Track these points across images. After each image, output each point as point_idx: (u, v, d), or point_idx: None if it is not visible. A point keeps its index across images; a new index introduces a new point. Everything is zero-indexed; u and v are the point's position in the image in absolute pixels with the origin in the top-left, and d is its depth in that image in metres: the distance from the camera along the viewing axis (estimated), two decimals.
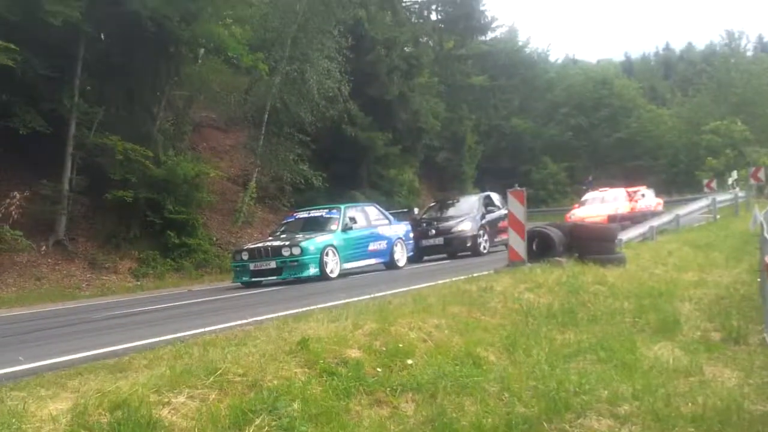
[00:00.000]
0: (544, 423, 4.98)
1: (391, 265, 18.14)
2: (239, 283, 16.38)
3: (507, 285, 9.38)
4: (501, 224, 20.83)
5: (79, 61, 20.62)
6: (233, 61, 26.68)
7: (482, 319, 7.86)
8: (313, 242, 15.97)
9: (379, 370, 5.86)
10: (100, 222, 21.76)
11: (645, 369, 6.21)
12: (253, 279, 16.03)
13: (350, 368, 5.69)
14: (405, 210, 22.73)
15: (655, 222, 18.28)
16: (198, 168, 22.98)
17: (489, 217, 21.24)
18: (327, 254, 15.97)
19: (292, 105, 27.22)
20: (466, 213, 21.17)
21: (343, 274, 16.52)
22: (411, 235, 19.39)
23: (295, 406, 4.89)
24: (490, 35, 52.92)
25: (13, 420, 4.19)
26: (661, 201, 30.92)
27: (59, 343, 8.59)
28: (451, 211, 22.13)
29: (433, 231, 20.70)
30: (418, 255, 20.31)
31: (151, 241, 21.88)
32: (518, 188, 12.14)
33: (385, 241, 18.15)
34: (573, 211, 26.77)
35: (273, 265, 15.73)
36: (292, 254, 15.61)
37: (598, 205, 26.51)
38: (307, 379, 5.37)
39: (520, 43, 63.21)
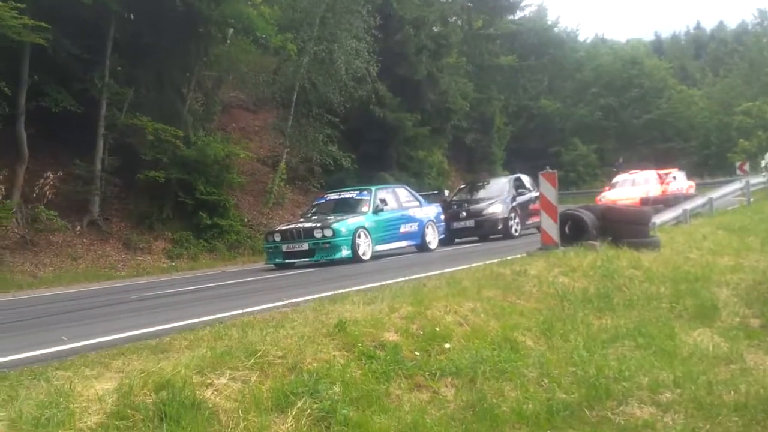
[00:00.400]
0: (586, 410, 4.98)
1: (422, 247, 17.99)
2: (272, 265, 16.37)
3: (541, 269, 9.34)
4: (532, 207, 20.65)
5: (110, 41, 20.75)
6: (262, 41, 26.64)
7: (518, 303, 7.85)
8: (345, 224, 15.91)
9: (417, 353, 5.88)
10: (132, 202, 21.94)
11: (685, 356, 6.18)
12: (286, 261, 16.01)
13: (388, 352, 5.71)
14: (435, 192, 22.51)
15: (689, 205, 18.06)
16: (228, 149, 23.04)
17: (520, 199, 21.01)
18: (359, 236, 15.90)
19: (320, 85, 27.15)
20: (497, 195, 20.93)
21: (375, 257, 16.44)
22: (442, 217, 19.21)
23: (336, 389, 4.93)
24: (518, 14, 52.45)
25: (61, 399, 4.24)
26: (693, 184, 30.66)
27: (100, 322, 8.70)
28: (481, 193, 21.92)
29: (464, 213, 20.50)
30: (449, 237, 20.18)
31: (184, 221, 22.03)
32: (550, 170, 12.04)
33: (417, 223, 17.99)
34: (603, 194, 26.60)
35: (305, 246, 15.72)
36: (324, 236, 15.56)
37: (629, 187, 26.32)
38: (346, 362, 5.41)
39: (549, 23, 62.58)
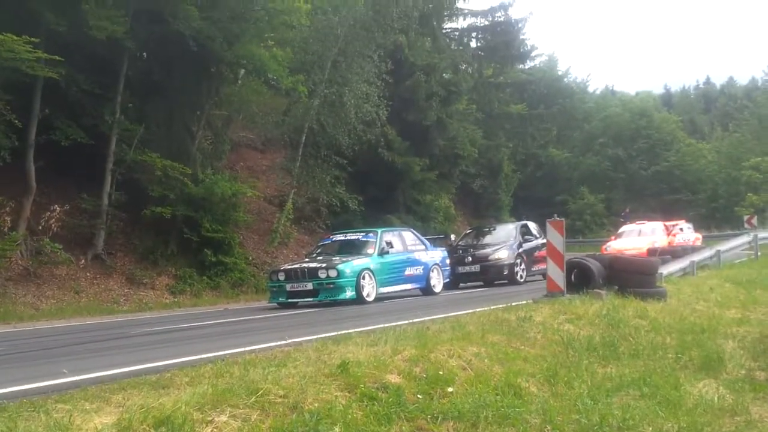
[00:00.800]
0: None
1: (427, 290, 18.02)
2: (275, 303, 16.39)
3: (546, 315, 9.31)
4: (538, 253, 20.75)
5: (122, 78, 20.95)
6: (273, 82, 26.89)
7: (522, 349, 7.80)
8: (350, 265, 15.95)
9: (419, 396, 5.84)
10: (137, 238, 21.97)
11: (689, 407, 6.11)
12: (290, 300, 16.05)
13: (390, 394, 5.66)
14: (441, 236, 22.50)
15: (696, 257, 18.03)
16: (235, 187, 23.09)
17: (526, 245, 21.05)
18: (364, 278, 15.95)
19: (329, 127, 27.28)
20: (503, 241, 20.96)
21: (379, 298, 16.46)
22: (447, 261, 19.29)
23: (337, 429, 4.90)
24: (529, 64, 52.82)
25: None
26: (699, 236, 30.60)
27: (101, 357, 8.65)
28: (488, 239, 21.91)
29: (470, 258, 20.50)
30: (454, 282, 20.19)
31: (188, 258, 22.04)
32: (557, 218, 12.04)
33: (422, 267, 18.06)
34: (609, 243, 26.58)
35: (309, 286, 15.75)
36: (328, 276, 15.59)
37: (636, 237, 26.29)
38: (347, 402, 5.36)
39: (560, 73, 63.05)
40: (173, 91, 22.58)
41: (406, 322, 9.00)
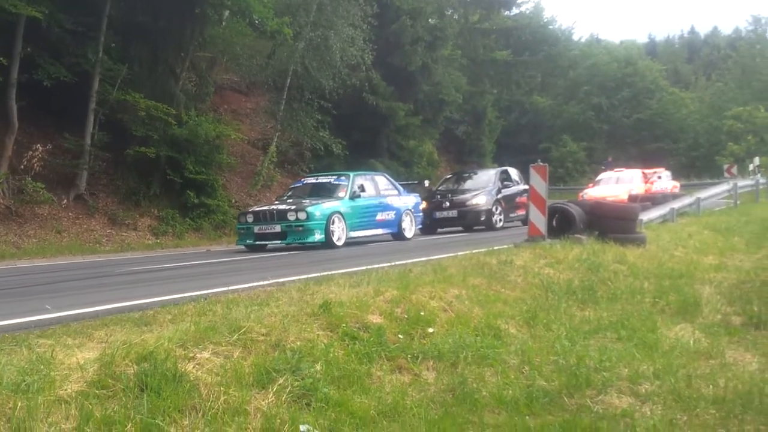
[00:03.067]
0: (565, 397, 5.01)
1: (398, 236, 17.90)
2: (243, 246, 16.20)
3: (527, 259, 9.39)
4: (518, 200, 20.92)
5: (105, 17, 20.59)
6: (257, 24, 26.59)
7: (502, 291, 7.88)
8: (320, 208, 15.71)
9: (400, 336, 5.92)
10: (120, 178, 21.85)
11: (665, 349, 6.21)
12: (257, 242, 15.89)
13: (372, 333, 5.75)
14: (415, 182, 22.18)
15: (676, 204, 18.17)
16: (219, 129, 22.97)
17: (505, 192, 21.00)
18: (333, 221, 15.71)
19: (314, 71, 27.07)
20: (482, 187, 20.88)
21: (350, 243, 16.27)
22: (421, 207, 19.22)
23: (318, 367, 4.96)
24: (515, 11, 52.26)
25: (42, 367, 4.24)
26: (677, 184, 30.75)
27: (84, 294, 8.67)
28: (467, 184, 21.84)
29: (448, 203, 20.44)
30: (432, 227, 20.30)
31: (171, 199, 21.97)
32: (541, 163, 12.09)
33: (394, 212, 17.86)
34: (586, 191, 26.64)
35: (278, 228, 15.53)
36: (297, 219, 15.36)
37: (613, 185, 26.36)
38: (329, 342, 5.44)
39: (545, 20, 62.52)
40: (157, 32, 22.28)
41: (388, 264, 9.05)
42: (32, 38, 19.13)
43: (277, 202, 17.24)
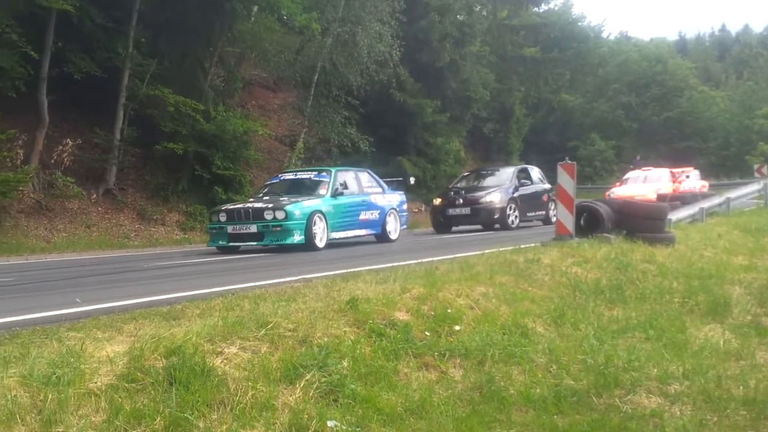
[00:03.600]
0: (593, 397, 4.99)
1: (383, 237, 16.80)
2: (214, 247, 14.96)
3: (554, 258, 9.34)
4: (539, 198, 20.85)
5: (135, 12, 20.74)
6: (286, 20, 26.66)
7: (529, 290, 7.85)
8: (300, 206, 14.44)
9: (427, 333, 5.92)
10: (149, 173, 22.02)
11: (695, 349, 6.17)
12: (231, 243, 14.64)
13: (399, 330, 5.75)
14: (399, 179, 20.99)
15: (706, 204, 17.99)
16: (247, 125, 23.02)
17: (522, 190, 20.62)
18: (314, 221, 14.48)
19: (341, 67, 27.14)
20: (499, 184, 20.50)
21: (331, 245, 15.20)
22: (405, 206, 18.19)
23: (345, 363, 4.96)
24: (543, 7, 52.11)
25: (72, 359, 4.28)
26: (706, 183, 30.44)
27: (113, 288, 8.75)
28: (483, 182, 21.45)
29: (461, 200, 19.98)
30: (444, 224, 20.10)
31: (199, 195, 22.08)
32: (569, 162, 12.02)
33: (378, 211, 16.71)
34: (613, 189, 26.45)
35: (254, 229, 14.27)
36: (275, 218, 14.13)
37: (641, 184, 26.14)
38: (356, 338, 5.45)
39: (574, 17, 62.10)
40: (186, 27, 22.36)
41: (415, 261, 9.05)
42: (63, 32, 19.32)
43: (252, 200, 15.98)
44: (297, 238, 14.15)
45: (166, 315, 5.85)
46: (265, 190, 16.69)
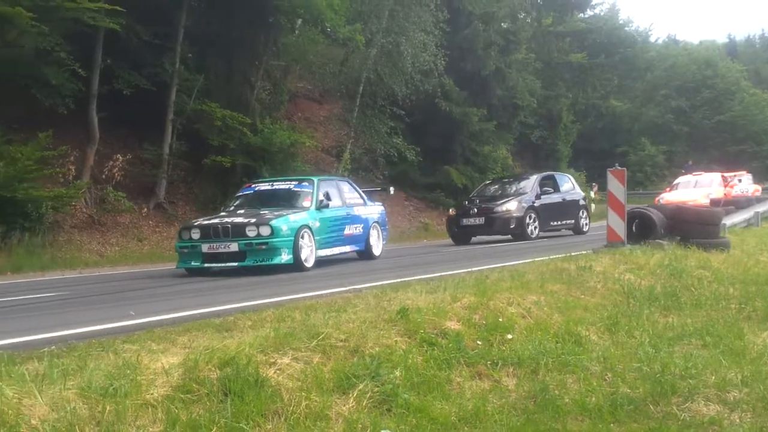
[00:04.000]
0: (650, 405, 4.90)
1: (366, 254, 15.08)
2: (184, 269, 13.00)
3: (606, 265, 9.23)
4: (562, 207, 20.09)
5: (181, 29, 21.09)
6: (329, 32, 26.85)
7: (582, 298, 7.77)
8: (287, 221, 12.57)
9: (479, 342, 5.89)
10: (198, 187, 22.28)
11: (753, 356, 6.03)
12: (207, 264, 12.69)
13: (450, 339, 5.72)
14: (377, 189, 19.67)
15: (761, 208, 17.68)
16: (293, 137, 23.22)
17: (545, 198, 19.68)
18: (302, 237, 12.66)
19: (386, 77, 27.26)
20: (518, 193, 19.62)
21: (317, 263, 13.29)
22: (385, 218, 16.61)
23: (397, 373, 4.95)
24: (589, 12, 51.84)
25: (128, 371, 4.33)
26: (759, 187, 29.93)
27: (166, 301, 8.86)
28: (502, 191, 20.50)
29: (475, 209, 19.07)
30: (461, 235, 19.42)
31: None
32: (619, 168, 11.89)
33: (362, 225, 14.92)
34: (663, 195, 26.12)
35: (234, 247, 12.26)
36: (259, 235, 12.20)
37: (691, 189, 25.81)
38: (407, 347, 5.43)
39: (621, 22, 61.57)
40: (232, 42, 22.66)
41: (464, 270, 9.01)
42: (111, 50, 19.67)
43: (224, 214, 13.76)
44: (285, 257, 12.29)
45: (218, 327, 5.89)
46: (237, 202, 14.57)
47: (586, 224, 20.70)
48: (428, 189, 29.89)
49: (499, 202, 19.23)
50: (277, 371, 4.74)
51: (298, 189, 14.12)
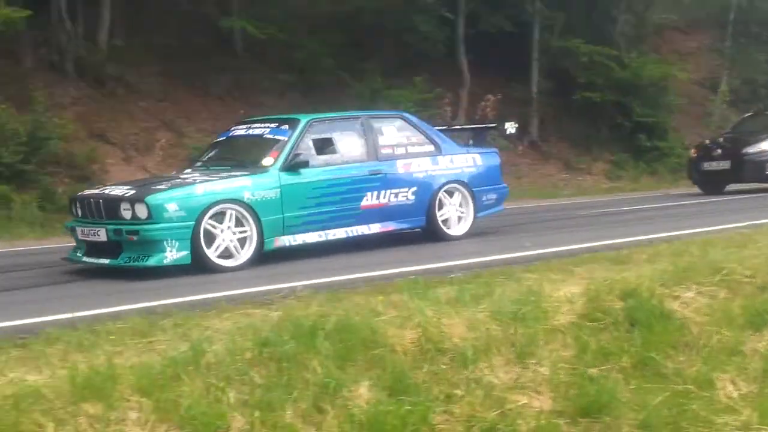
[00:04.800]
0: None
1: (432, 230, 8.75)
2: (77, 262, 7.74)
3: None
4: None
5: None
6: None
7: None
8: (182, 193, 7.34)
9: None
10: (568, 124, 22.24)
11: None
12: (85, 258, 7.59)
13: None
14: (489, 125, 12.67)
15: None
16: (663, 70, 22.30)
17: None
18: (217, 220, 7.28)
19: (758, 1, 25.10)
20: None
21: (283, 255, 7.65)
22: (498, 171, 10.01)
23: None
24: None
25: (532, 298, 4.55)
26: None
27: (555, 234, 9.02)
28: (764, 126, 15.76)
29: (719, 151, 14.91)
30: (706, 182, 15.24)
31: (622, 143, 21.82)
32: None
33: (414, 188, 8.67)
34: None
35: (102, 235, 7.32)
36: (134, 217, 7.12)
37: None
38: None
39: None
40: None
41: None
42: None
43: (129, 182, 8.97)
44: (169, 255, 7.04)
45: (613, 259, 5.94)
46: (211, 153, 9.33)
47: None
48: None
49: (751, 140, 14.88)
50: (682, 305, 4.72)
51: (271, 136, 8.55)
